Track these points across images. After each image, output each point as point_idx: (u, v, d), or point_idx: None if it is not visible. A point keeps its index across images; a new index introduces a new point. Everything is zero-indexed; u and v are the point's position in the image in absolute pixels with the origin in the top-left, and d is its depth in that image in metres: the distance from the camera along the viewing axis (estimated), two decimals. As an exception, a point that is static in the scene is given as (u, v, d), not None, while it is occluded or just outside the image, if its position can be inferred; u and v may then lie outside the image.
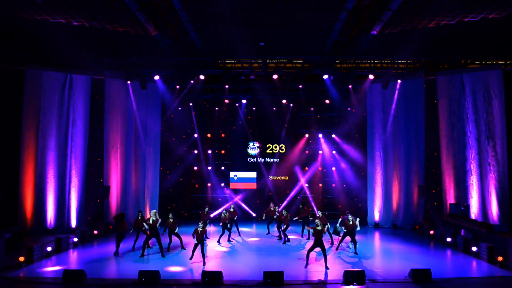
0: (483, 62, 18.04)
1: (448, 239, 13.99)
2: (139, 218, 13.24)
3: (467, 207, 15.43)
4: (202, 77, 17.73)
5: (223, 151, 20.53)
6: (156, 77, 17.62)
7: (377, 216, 18.34)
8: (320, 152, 20.34)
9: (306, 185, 20.22)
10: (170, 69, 17.83)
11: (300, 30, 15.33)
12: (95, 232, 15.25)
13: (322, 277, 10.18)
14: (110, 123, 17.36)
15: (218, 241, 14.30)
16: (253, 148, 20.49)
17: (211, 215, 18.23)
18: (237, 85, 17.97)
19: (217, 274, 9.65)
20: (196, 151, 20.16)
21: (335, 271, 10.57)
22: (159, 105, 19.28)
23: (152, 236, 12.35)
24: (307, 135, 20.40)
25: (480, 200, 15.81)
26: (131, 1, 12.46)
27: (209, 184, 20.28)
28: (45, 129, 15.98)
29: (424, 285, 9.53)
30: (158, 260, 11.89)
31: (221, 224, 14.36)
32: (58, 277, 9.84)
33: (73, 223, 16.24)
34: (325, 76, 17.65)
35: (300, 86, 18.08)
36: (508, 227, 14.81)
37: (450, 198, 16.52)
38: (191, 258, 11.55)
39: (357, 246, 12.91)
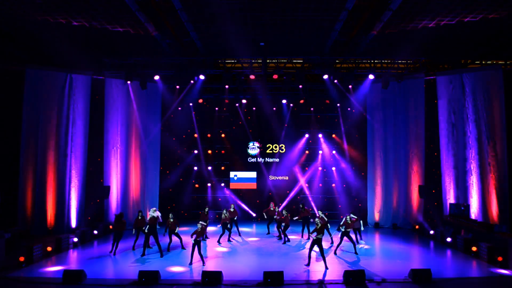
0: (483, 62, 18.04)
1: (448, 239, 14.00)
2: (139, 218, 13.22)
3: (467, 207, 15.42)
4: (202, 77, 17.74)
5: (223, 151, 20.54)
6: (156, 77, 17.62)
7: (377, 216, 18.35)
8: (320, 152, 20.35)
9: (306, 185, 20.22)
10: (170, 69, 17.82)
11: (300, 30, 15.33)
12: (95, 232, 15.26)
13: (322, 277, 10.20)
14: (110, 123, 17.36)
15: (218, 241, 14.31)
16: (253, 148, 20.49)
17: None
18: (237, 85, 17.94)
19: (217, 274, 9.66)
20: (196, 151, 20.17)
21: (335, 271, 10.58)
22: (159, 105, 19.24)
23: (150, 234, 12.27)
24: (307, 135, 20.40)
25: (480, 200, 15.80)
26: (131, 1, 12.45)
27: (209, 184, 20.28)
28: (45, 129, 15.97)
29: (424, 285, 9.53)
30: (158, 260, 11.89)
31: (221, 224, 14.36)
32: (58, 277, 9.85)
33: (73, 223, 16.23)
34: (325, 76, 17.66)
35: (300, 86, 18.04)
36: (508, 227, 14.78)
37: (450, 198, 16.52)
38: (190, 263, 11.24)
39: (357, 246, 12.89)
